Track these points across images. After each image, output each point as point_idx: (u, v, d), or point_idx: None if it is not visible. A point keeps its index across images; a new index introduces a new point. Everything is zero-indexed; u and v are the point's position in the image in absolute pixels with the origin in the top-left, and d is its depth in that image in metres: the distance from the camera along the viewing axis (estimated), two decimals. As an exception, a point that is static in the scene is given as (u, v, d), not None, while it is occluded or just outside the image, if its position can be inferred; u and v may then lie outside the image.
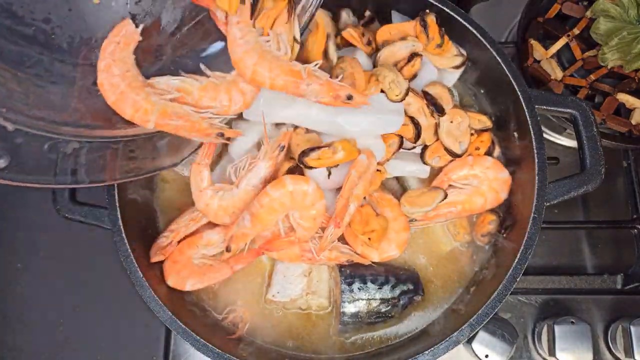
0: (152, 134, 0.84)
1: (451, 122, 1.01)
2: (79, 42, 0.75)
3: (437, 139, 1.04)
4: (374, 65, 1.05)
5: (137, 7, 0.77)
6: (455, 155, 1.01)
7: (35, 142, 0.73)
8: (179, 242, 1.01)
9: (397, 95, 0.98)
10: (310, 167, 0.93)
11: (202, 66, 0.82)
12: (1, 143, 0.71)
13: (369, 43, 1.06)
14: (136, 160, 0.83)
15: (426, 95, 1.00)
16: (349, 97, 0.87)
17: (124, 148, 0.82)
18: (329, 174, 0.95)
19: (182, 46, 0.84)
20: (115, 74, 0.76)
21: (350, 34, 1.06)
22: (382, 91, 0.98)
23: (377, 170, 0.98)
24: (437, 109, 0.99)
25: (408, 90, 0.99)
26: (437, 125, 1.02)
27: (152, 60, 0.82)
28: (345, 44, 1.09)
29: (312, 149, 0.91)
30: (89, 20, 0.74)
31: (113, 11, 0.76)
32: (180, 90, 0.81)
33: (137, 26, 0.77)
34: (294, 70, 0.84)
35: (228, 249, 0.94)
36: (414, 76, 1.03)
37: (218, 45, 0.86)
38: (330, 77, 0.90)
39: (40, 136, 0.73)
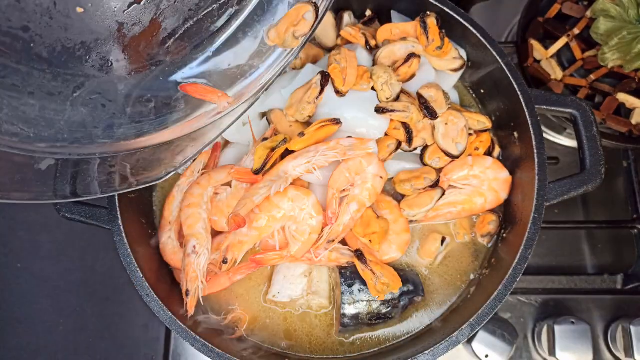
0: (135, 150, 0.81)
1: (446, 124, 1.01)
2: (60, 50, 0.71)
3: (437, 140, 1.04)
4: (374, 63, 1.05)
5: (125, 16, 0.74)
6: (452, 157, 1.01)
7: (7, 159, 0.69)
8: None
9: (387, 98, 0.98)
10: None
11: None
12: None
13: (367, 41, 1.05)
14: (116, 175, 0.80)
15: (420, 98, 0.99)
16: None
17: (103, 163, 0.78)
18: None
19: (173, 55, 0.82)
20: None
21: (349, 32, 1.05)
22: (373, 89, 0.99)
23: (380, 177, 0.98)
24: (430, 112, 0.98)
25: (400, 94, 0.99)
26: (433, 128, 1.02)
27: (143, 70, 0.80)
28: (345, 44, 1.10)
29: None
30: (71, 29, 0.70)
31: (99, 19, 0.72)
32: None
33: (124, 35, 0.74)
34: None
35: (225, 261, 0.95)
36: (412, 77, 1.03)
37: (208, 54, 0.85)
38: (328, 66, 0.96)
39: (13, 153, 0.69)
